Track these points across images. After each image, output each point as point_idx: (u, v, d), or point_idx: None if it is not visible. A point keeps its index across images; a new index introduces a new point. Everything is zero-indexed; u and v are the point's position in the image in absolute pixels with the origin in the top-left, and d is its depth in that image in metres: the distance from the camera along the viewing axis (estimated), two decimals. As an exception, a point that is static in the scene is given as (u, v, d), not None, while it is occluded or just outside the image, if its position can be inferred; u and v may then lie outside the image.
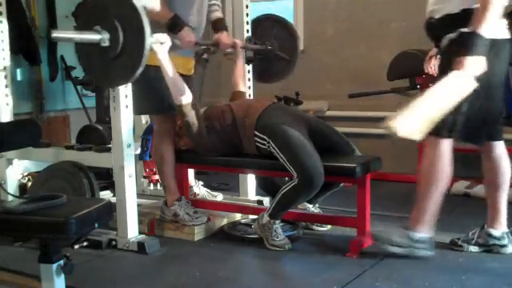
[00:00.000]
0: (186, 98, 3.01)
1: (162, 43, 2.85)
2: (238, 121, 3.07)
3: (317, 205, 3.30)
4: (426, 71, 3.14)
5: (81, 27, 2.77)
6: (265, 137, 2.95)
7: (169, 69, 2.93)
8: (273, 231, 2.92)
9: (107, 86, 2.90)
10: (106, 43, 2.63)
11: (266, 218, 2.93)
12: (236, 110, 3.11)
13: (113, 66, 2.70)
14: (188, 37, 2.99)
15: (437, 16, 2.60)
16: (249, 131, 3.01)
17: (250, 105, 3.12)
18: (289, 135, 2.89)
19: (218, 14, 3.35)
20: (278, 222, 2.93)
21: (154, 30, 2.95)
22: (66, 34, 2.78)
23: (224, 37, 3.31)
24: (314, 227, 3.24)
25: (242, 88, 3.47)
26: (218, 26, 3.33)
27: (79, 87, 4.53)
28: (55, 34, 2.65)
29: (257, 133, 2.98)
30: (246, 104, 3.15)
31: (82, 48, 2.87)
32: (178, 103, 3.01)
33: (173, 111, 3.08)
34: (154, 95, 3.01)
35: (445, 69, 2.51)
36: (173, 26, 2.95)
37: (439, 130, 2.52)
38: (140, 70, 2.58)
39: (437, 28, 2.62)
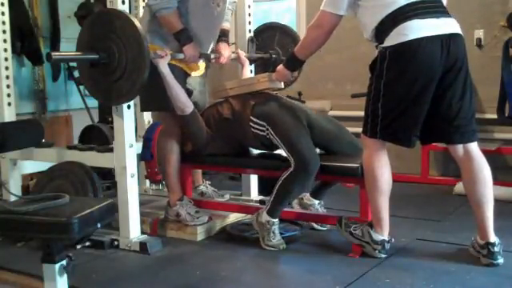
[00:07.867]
0: (189, 108, 3.03)
1: (161, 57, 2.89)
2: (236, 111, 3.08)
3: (322, 202, 3.30)
4: None
5: (81, 46, 2.85)
6: (264, 123, 2.97)
7: (171, 81, 2.94)
8: (270, 232, 2.92)
9: (112, 104, 2.94)
10: (106, 61, 2.71)
11: (265, 217, 2.93)
12: (233, 101, 3.13)
13: (115, 85, 2.77)
14: (191, 52, 3.04)
15: None
16: (246, 118, 3.03)
17: (247, 96, 3.13)
18: (286, 120, 2.94)
19: (224, 26, 3.37)
20: (276, 222, 2.93)
21: (155, 38, 2.99)
22: (66, 54, 2.89)
23: (223, 47, 3.34)
24: (315, 225, 3.23)
25: None
26: (220, 36, 3.35)
27: (81, 87, 4.52)
28: (56, 56, 2.80)
29: (254, 119, 2.99)
30: (243, 96, 3.15)
31: (84, 71, 2.96)
32: (181, 114, 3.03)
33: None
34: (160, 91, 3.01)
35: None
36: (179, 38, 3.01)
37: (364, 129, 2.66)
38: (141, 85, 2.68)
39: None
